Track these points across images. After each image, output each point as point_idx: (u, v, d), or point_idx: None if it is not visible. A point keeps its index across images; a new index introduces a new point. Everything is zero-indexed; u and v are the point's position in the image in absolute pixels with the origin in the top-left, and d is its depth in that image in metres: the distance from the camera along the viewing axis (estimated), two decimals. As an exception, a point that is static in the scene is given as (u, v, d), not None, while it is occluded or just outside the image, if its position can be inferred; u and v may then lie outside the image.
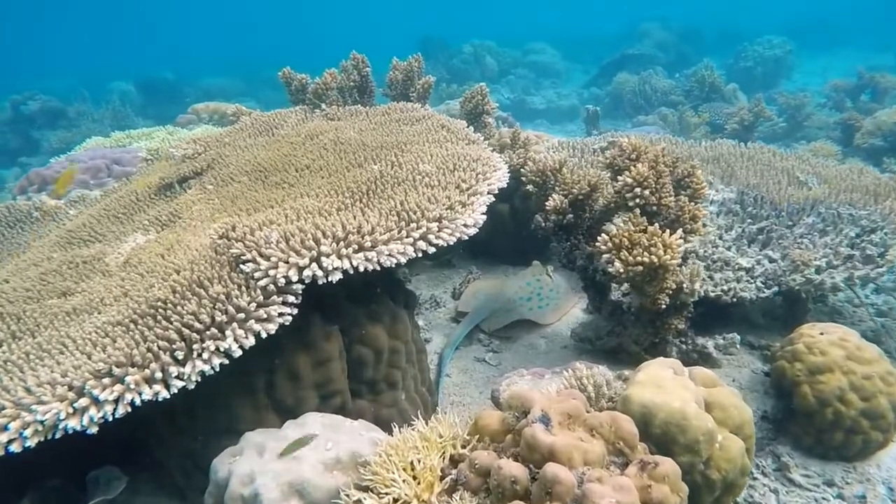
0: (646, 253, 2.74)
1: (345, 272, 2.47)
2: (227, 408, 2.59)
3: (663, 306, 3.01)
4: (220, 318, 2.29)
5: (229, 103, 5.85)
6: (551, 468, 1.74)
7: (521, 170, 4.03)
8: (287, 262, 2.41)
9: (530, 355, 3.99)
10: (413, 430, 2.19)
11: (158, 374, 2.16)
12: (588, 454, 1.85)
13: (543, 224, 3.69)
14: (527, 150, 4.59)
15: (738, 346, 3.38)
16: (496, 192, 3.23)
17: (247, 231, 2.67)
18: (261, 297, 2.37)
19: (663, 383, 2.38)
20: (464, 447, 2.08)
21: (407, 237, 2.61)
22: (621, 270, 2.79)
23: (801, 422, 3.09)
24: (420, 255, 2.63)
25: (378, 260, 2.49)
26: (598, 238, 2.99)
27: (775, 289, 3.51)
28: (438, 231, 2.70)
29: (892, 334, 4.15)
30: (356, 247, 2.49)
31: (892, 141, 6.88)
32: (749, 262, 3.70)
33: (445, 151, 3.55)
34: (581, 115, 11.11)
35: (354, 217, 2.70)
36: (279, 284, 2.40)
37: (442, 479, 1.96)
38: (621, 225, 3.08)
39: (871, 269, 3.58)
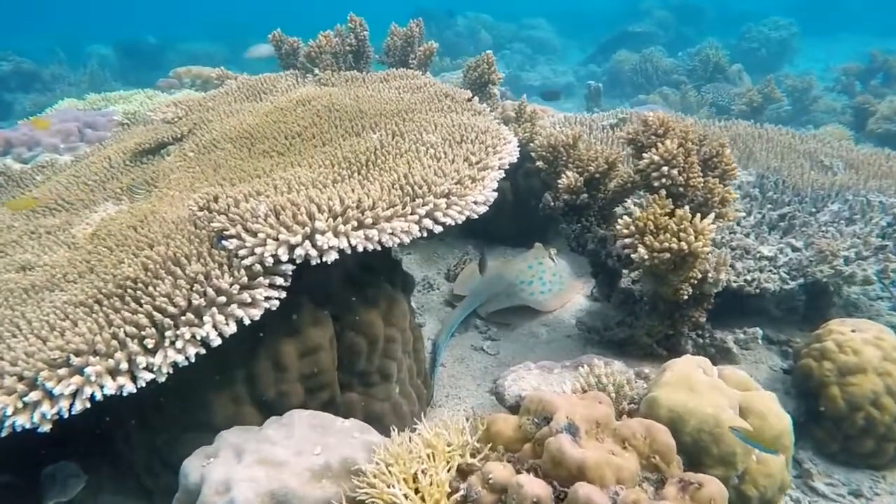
0: (674, 239, 2.47)
1: (341, 252, 2.18)
2: (202, 401, 2.31)
3: (685, 297, 2.75)
4: (197, 301, 2.00)
5: (214, 68, 5.45)
6: (584, 490, 1.48)
7: (530, 144, 3.73)
8: (276, 240, 2.12)
9: (531, 344, 3.74)
10: (416, 434, 1.93)
11: (124, 365, 1.87)
12: (621, 471, 1.60)
13: (553, 203, 3.42)
14: (533, 124, 4.29)
15: (759, 341, 3.15)
16: (507, 166, 2.94)
17: (231, 203, 2.36)
18: (245, 279, 2.08)
19: (694, 385, 2.13)
20: (473, 456, 1.82)
21: (412, 214, 2.32)
22: (645, 257, 2.52)
23: (827, 426, 2.87)
24: (425, 234, 2.35)
25: (379, 239, 2.20)
26: (619, 221, 2.72)
27: (801, 280, 3.27)
28: (447, 208, 2.41)
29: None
30: (355, 223, 2.20)
31: (908, 125, 6.67)
32: (771, 251, 3.45)
33: (451, 122, 3.24)
34: (583, 91, 10.77)
35: (353, 190, 2.40)
36: (266, 264, 2.10)
37: (449, 495, 1.70)
38: (635, 207, 2.80)
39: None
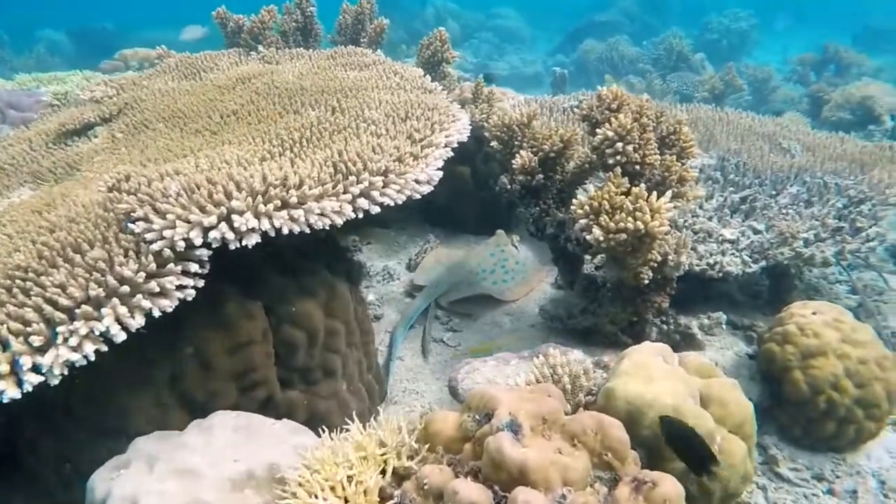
0: (629, 218, 2.31)
1: (265, 235, 1.96)
2: (118, 404, 2.08)
3: (646, 281, 2.61)
4: (95, 291, 1.76)
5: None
6: (524, 496, 1.30)
7: (485, 124, 3.54)
8: (188, 221, 1.89)
9: (493, 335, 3.57)
10: (346, 435, 1.73)
11: (4, 367, 1.62)
12: (569, 471, 1.43)
13: (509, 186, 3.24)
14: (491, 105, 4.11)
15: (723, 326, 3.03)
16: (455, 144, 2.75)
17: (143, 182, 2.12)
18: (153, 266, 1.85)
19: (653, 374, 1.97)
20: (412, 458, 1.63)
21: (344, 193, 2.11)
22: (600, 238, 2.36)
23: (791, 410, 2.77)
24: (360, 215, 2.14)
25: (306, 220, 1.99)
26: (574, 201, 2.56)
27: (763, 263, 3.16)
28: (384, 187, 2.21)
29: (871, 313, 3.90)
30: (278, 203, 1.98)
31: (860, 115, 6.68)
32: (733, 234, 3.34)
33: (397, 99, 3.04)
34: (548, 79, 10.65)
35: (280, 168, 2.18)
36: (178, 249, 1.87)
37: (382, 502, 1.51)
38: (591, 187, 2.64)
39: (861, 242, 3.27)
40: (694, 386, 1.98)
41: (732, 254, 3.18)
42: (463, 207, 4.70)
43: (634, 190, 2.36)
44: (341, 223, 2.09)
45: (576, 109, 4.52)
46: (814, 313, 2.83)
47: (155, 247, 1.86)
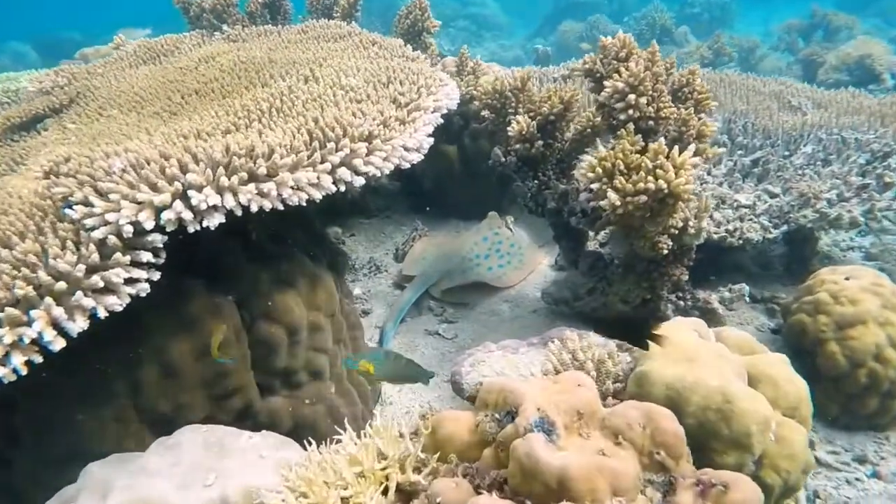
0: (650, 178, 2.03)
1: (231, 214, 1.66)
2: (71, 426, 1.76)
3: (665, 251, 2.33)
4: (24, 291, 1.44)
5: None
6: (570, 515, 1.02)
7: (474, 92, 3.25)
8: (136, 201, 1.57)
9: (493, 324, 3.28)
10: (338, 447, 1.43)
11: None
12: (618, 478, 1.14)
13: (504, 159, 2.95)
14: (477, 77, 3.81)
15: (746, 298, 2.77)
16: (444, 110, 2.45)
17: (84, 162, 1.80)
18: (95, 257, 1.53)
19: (692, 353, 1.70)
20: (419, 471, 1.34)
21: (322, 162, 1.81)
22: (617, 203, 2.08)
23: (826, 387, 2.50)
24: (342, 188, 1.84)
25: (278, 194, 1.68)
26: (581, 165, 2.27)
27: (784, 228, 2.90)
28: (367, 155, 1.91)
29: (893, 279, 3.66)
30: (244, 176, 1.67)
31: (859, 75, 6.48)
32: (748, 199, 3.07)
33: (377, 66, 2.74)
34: (528, 63, 10.36)
35: (246, 137, 1.87)
36: (125, 235, 1.56)
37: (385, 528, 1.22)
38: (602, 147, 2.36)
39: (893, 198, 3.02)
40: (738, 364, 1.71)
41: (750, 219, 2.92)
42: (450, 190, 4.39)
43: (652, 146, 2.08)
44: (320, 197, 1.79)
45: (569, 82, 4.25)
46: (847, 278, 2.58)
47: (97, 234, 1.54)
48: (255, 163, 1.70)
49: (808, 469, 1.66)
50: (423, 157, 2.13)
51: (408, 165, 2.03)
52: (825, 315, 2.51)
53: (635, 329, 1.54)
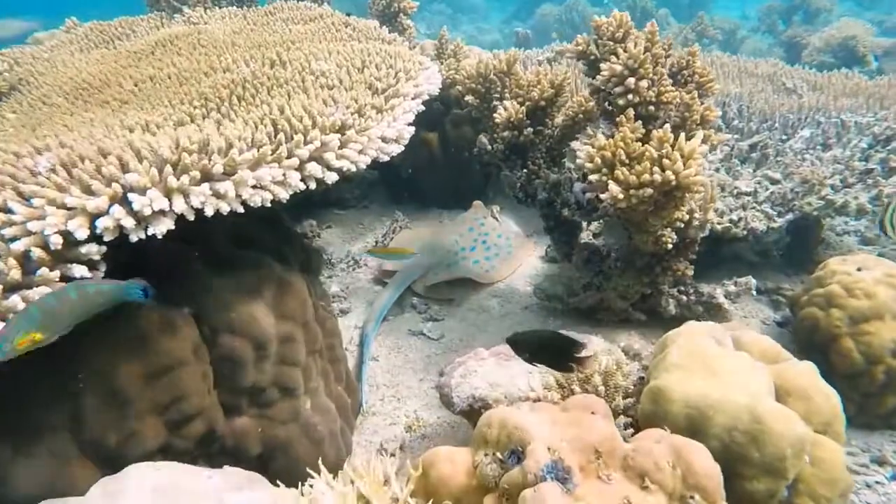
0: (656, 168, 1.83)
1: (181, 219, 1.42)
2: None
3: (669, 245, 2.15)
4: (-73, 317, 1.20)
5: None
6: None
7: (456, 77, 3.02)
8: (65, 207, 1.33)
9: (482, 322, 3.08)
10: (314, 492, 1.22)
11: None
12: (649, 534, 0.95)
13: (490, 147, 2.74)
14: (458, 60, 3.57)
15: (753, 292, 2.60)
16: (426, 96, 2.23)
17: (9, 160, 1.55)
18: (15, 273, 1.29)
19: (713, 363, 1.52)
20: (406, 519, 1.13)
21: (288, 157, 1.57)
22: (619, 197, 1.88)
23: (841, 385, 2.31)
24: (312, 185, 1.62)
25: (237, 195, 1.45)
26: (579, 153, 2.07)
27: (790, 216, 2.74)
28: (341, 147, 1.68)
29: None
30: (196, 175, 1.43)
31: (843, 57, 6.36)
32: (749, 186, 2.90)
33: (351, 49, 2.50)
34: (507, 47, 10.12)
35: (201, 130, 1.63)
36: (53, 247, 1.32)
37: None
38: (600, 135, 2.15)
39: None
40: (766, 376, 1.53)
41: (753, 208, 2.75)
42: (432, 179, 4.17)
43: (657, 133, 1.88)
44: (287, 197, 1.56)
45: (555, 64, 4.03)
46: (859, 269, 2.43)
47: (17, 246, 1.30)
48: (209, 159, 1.46)
49: (848, 491, 1.49)
50: (403, 149, 1.90)
51: (386, 158, 1.80)
52: (838, 309, 2.36)
53: (558, 351, 1.35)
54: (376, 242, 3.91)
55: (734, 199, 2.82)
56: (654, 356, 1.71)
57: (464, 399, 1.92)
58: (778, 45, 8.15)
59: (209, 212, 1.43)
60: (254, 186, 1.49)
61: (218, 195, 1.44)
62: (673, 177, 1.80)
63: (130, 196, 1.34)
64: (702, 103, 2.27)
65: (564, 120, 2.69)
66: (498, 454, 1.10)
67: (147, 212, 1.34)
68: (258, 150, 1.54)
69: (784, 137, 3.27)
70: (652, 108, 2.12)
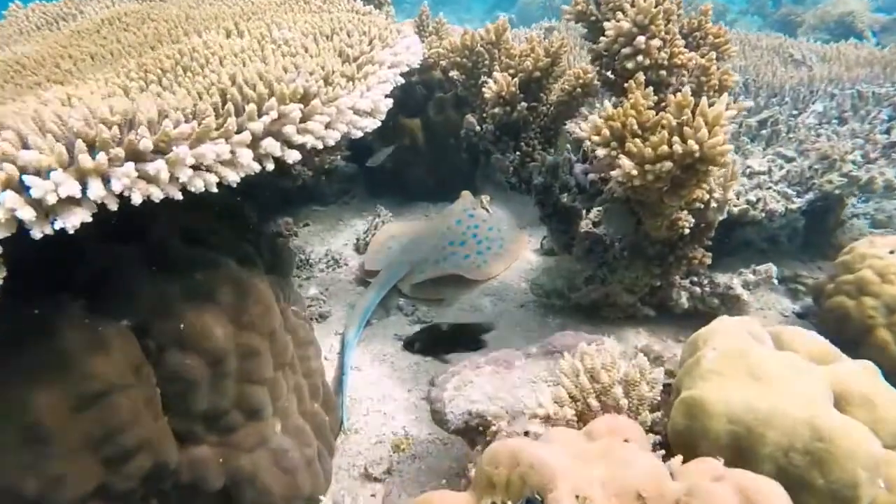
0: (676, 139, 1.57)
1: (103, 209, 1.13)
2: None
3: (686, 231, 1.89)
4: None
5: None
6: None
7: (440, 50, 2.74)
8: (-60, 197, 1.03)
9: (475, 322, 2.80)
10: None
11: None
12: None
13: (479, 127, 2.46)
14: (441, 38, 3.29)
15: (774, 280, 2.35)
16: (406, 68, 1.95)
17: None
18: None
19: (758, 367, 1.26)
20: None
21: (238, 132, 1.29)
22: (633, 174, 1.61)
23: (876, 381, 2.13)
24: (269, 166, 1.33)
25: (175, 178, 1.16)
26: (581, 127, 1.80)
27: (810, 196, 2.50)
28: (304, 120, 1.39)
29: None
30: (120, 153, 1.14)
31: (839, 34, 6.15)
32: (762, 165, 2.66)
33: (320, 18, 2.21)
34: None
35: (133, 102, 1.33)
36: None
37: None
38: (608, 104, 1.88)
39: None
40: (822, 380, 1.27)
41: (769, 188, 2.50)
42: (415, 169, 3.89)
43: (674, 98, 1.61)
44: (237, 179, 1.27)
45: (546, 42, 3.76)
46: (892, 252, 2.19)
47: None
48: (136, 136, 1.16)
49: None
50: (379, 124, 1.62)
51: (360, 134, 1.52)
52: (872, 297, 2.13)
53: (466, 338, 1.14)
54: (357, 240, 3.62)
55: (747, 178, 2.57)
56: (683, 360, 1.45)
57: (459, 415, 1.65)
58: (768, 27, 7.96)
59: (136, 199, 1.14)
60: (194, 167, 1.20)
61: (148, 178, 1.15)
62: (696, 147, 1.53)
63: (28, 179, 1.05)
64: (717, 67, 2.01)
65: (560, 96, 2.42)
66: (509, 503, 0.83)
67: (51, 199, 1.05)
68: (200, 123, 1.25)
69: (795, 112, 3.03)
70: (663, 72, 1.85)
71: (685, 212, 1.87)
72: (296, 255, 3.34)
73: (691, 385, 1.29)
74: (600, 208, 2.58)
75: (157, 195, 1.16)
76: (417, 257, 3.14)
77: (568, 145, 2.47)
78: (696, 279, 2.34)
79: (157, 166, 1.15)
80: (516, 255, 3.23)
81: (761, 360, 1.27)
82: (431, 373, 2.48)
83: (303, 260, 3.41)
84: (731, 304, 2.30)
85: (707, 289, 2.32)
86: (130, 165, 1.13)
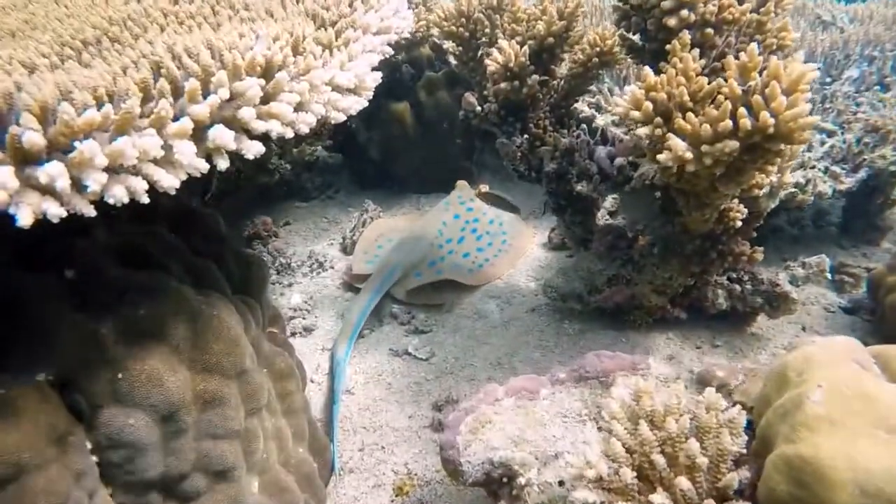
0: (743, 111, 1.24)
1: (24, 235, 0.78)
2: None
3: (739, 223, 1.56)
4: None
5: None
6: None
7: (429, 19, 2.39)
8: None
9: (481, 332, 2.46)
10: None
11: None
12: None
13: (480, 107, 2.12)
14: (430, 10, 2.93)
15: (828, 274, 2.04)
16: (395, 37, 1.59)
17: None
18: None
19: (887, 410, 0.94)
20: None
21: (175, 120, 0.93)
22: (688, 157, 1.28)
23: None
24: (222, 165, 0.98)
25: (82, 185, 0.81)
26: (617, 103, 1.46)
27: (861, 174, 2.19)
28: (266, 102, 1.04)
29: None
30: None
31: None
32: (800, 140, 2.34)
33: (288, -17, 1.84)
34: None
35: (38, 89, 0.97)
36: None
37: None
38: (648, 70, 1.54)
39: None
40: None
41: (813, 167, 2.19)
42: (405, 159, 3.54)
43: (735, 61, 1.28)
44: (176, 185, 0.93)
45: None
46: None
47: None
48: (19, 124, 0.81)
49: None
50: (366, 104, 1.28)
51: (342, 117, 1.18)
52: (944, 291, 1.83)
53: None
54: (343, 239, 3.27)
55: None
56: (766, 395, 1.13)
57: (478, 465, 1.33)
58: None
59: (25, 220, 0.79)
60: (108, 169, 0.85)
61: (37, 188, 0.80)
62: (772, 121, 1.21)
63: None
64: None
65: (572, 67, 2.08)
66: None
67: None
68: (122, 107, 0.90)
69: (828, 80, 2.72)
70: (710, 30, 1.52)
71: (736, 200, 1.55)
72: (275, 260, 2.99)
73: (793, 436, 0.97)
74: (615, 195, 2.26)
75: (54, 213, 0.81)
76: (412, 258, 2.80)
77: (584, 126, 2.14)
78: (734, 275, 2.02)
79: (52, 171, 0.80)
80: (522, 250, 2.90)
81: (887, 401, 0.96)
82: (434, 394, 2.15)
83: (284, 264, 3.06)
84: (779, 304, 2.00)
85: (748, 286, 2.01)
86: (7, 171, 0.78)
